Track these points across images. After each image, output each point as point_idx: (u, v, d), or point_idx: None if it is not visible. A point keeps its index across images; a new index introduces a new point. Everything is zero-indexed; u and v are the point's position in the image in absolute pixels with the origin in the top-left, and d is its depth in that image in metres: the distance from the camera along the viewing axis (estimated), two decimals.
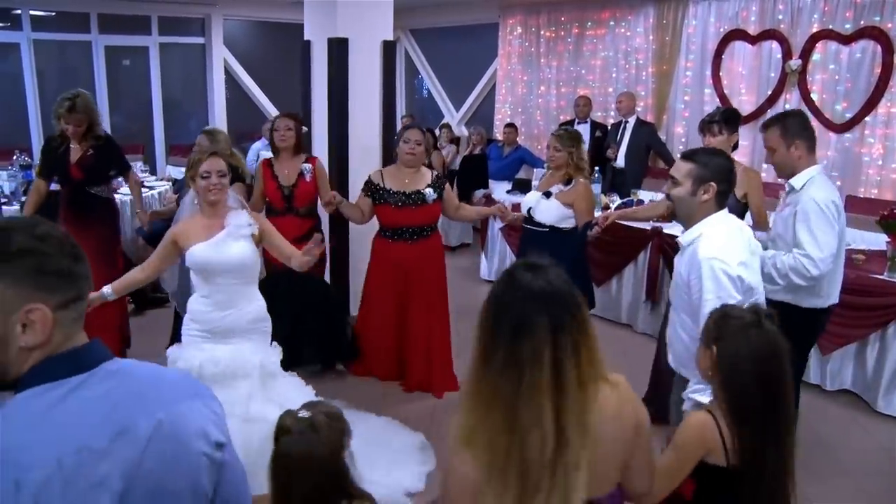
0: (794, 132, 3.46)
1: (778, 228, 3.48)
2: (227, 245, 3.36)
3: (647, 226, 5.87)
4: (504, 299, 1.60)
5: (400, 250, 4.68)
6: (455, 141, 10.17)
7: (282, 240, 3.68)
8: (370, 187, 4.68)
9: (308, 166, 4.81)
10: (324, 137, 5.76)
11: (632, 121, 7.71)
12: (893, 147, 6.58)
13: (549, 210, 4.62)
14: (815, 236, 3.32)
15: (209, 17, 10.56)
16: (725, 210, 2.82)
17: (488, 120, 10.49)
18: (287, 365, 3.70)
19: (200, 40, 10.78)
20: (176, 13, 10.36)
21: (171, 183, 7.72)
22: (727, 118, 4.26)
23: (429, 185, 4.64)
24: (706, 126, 4.32)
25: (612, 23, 8.72)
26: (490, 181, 8.69)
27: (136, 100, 10.51)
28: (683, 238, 2.84)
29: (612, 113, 8.71)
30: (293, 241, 4.45)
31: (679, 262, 2.87)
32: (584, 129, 8.02)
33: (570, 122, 8.18)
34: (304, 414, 1.96)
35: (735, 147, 4.42)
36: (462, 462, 1.57)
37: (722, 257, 2.63)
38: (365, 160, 5.59)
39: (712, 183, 2.74)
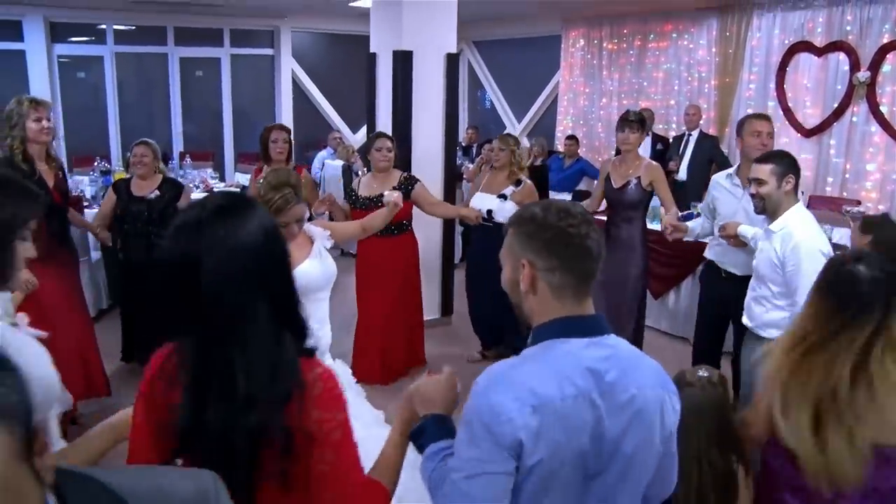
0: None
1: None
2: (325, 258, 3.27)
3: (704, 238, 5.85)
4: (848, 280, 1.94)
5: (372, 245, 4.94)
6: None
7: (343, 225, 3.89)
8: (350, 194, 5.07)
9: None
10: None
11: (695, 134, 7.69)
12: None
13: (508, 210, 4.85)
14: None
15: (278, 30, 10.90)
16: (801, 202, 3.44)
17: (550, 131, 10.55)
18: None
19: (269, 52, 11.13)
20: (246, 26, 10.73)
21: (239, 189, 7.99)
22: (642, 119, 4.82)
23: (393, 188, 4.83)
24: (627, 123, 4.75)
25: (674, 35, 8.72)
26: (551, 192, 8.73)
27: (207, 109, 10.91)
28: (774, 226, 3.40)
29: (674, 125, 8.70)
30: None
31: (767, 244, 3.43)
32: (645, 142, 8.01)
33: None
34: (702, 373, 2.23)
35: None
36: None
37: (816, 239, 3.28)
38: (427, 171, 5.74)
39: (791, 175, 3.37)
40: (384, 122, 5.93)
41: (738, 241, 3.87)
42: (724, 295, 4.06)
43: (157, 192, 4.94)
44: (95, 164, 7.72)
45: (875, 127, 7.01)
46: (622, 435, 1.49)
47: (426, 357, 5.45)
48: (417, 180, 5.07)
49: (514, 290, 1.61)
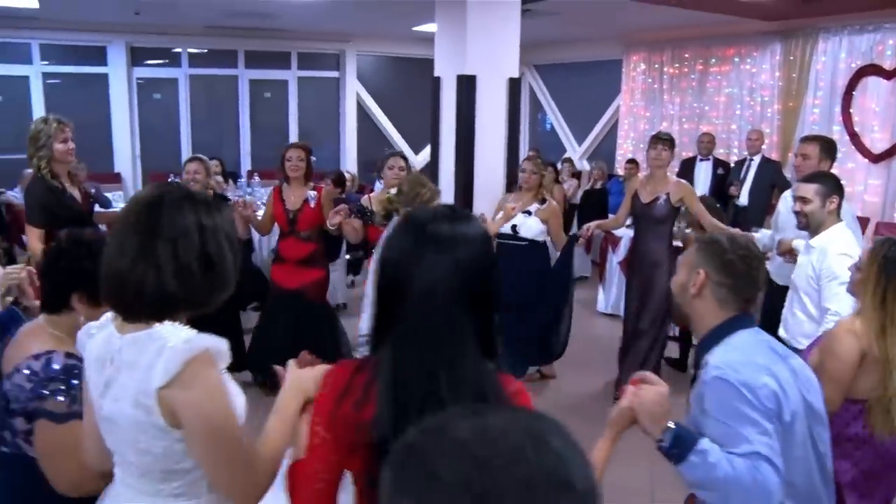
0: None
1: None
2: None
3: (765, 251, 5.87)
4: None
5: None
6: (577, 175, 10.31)
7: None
8: (360, 210, 5.07)
9: (314, 194, 5.07)
10: (450, 170, 6.07)
11: (757, 159, 7.64)
12: None
13: (532, 226, 5.17)
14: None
15: (343, 53, 11.21)
16: (844, 222, 3.58)
17: (609, 155, 10.59)
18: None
19: (335, 74, 11.45)
20: (313, 49, 11.08)
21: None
22: (672, 139, 5.14)
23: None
24: (661, 141, 5.00)
25: (736, 59, 8.70)
26: (610, 215, 8.76)
27: (274, 129, 11.26)
28: (814, 241, 3.57)
29: (735, 150, 8.65)
30: (294, 262, 5.05)
31: (805, 258, 3.61)
32: (706, 166, 8.01)
33: (692, 160, 8.18)
34: None
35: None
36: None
37: (849, 250, 3.35)
38: (489, 192, 5.86)
39: (835, 196, 3.51)
40: (448, 145, 6.08)
41: (794, 256, 3.97)
42: (776, 307, 4.10)
43: None
44: (169, 180, 8.05)
45: None
46: (805, 391, 1.92)
47: None
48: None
49: (681, 292, 2.04)
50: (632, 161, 9.25)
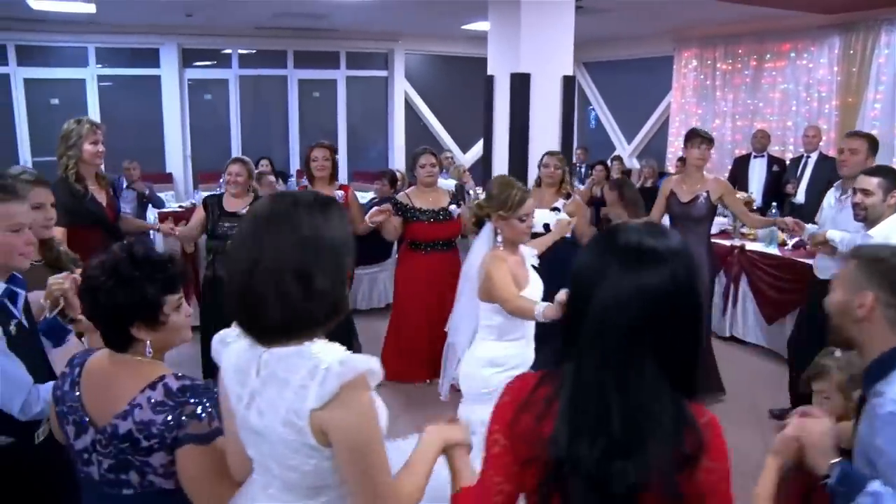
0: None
1: None
2: (537, 278, 3.40)
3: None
4: None
5: (433, 260, 5.11)
6: (627, 173, 10.20)
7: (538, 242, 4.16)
8: (399, 207, 5.09)
9: (341, 193, 5.03)
10: (503, 168, 6.04)
11: (814, 156, 7.47)
12: None
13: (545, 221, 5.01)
14: None
15: (392, 52, 11.25)
16: None
17: (660, 152, 10.45)
18: None
19: (384, 73, 11.49)
20: (362, 48, 11.13)
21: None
22: (711, 137, 5.04)
23: (451, 203, 5.07)
24: (703, 140, 4.90)
25: (792, 54, 8.52)
26: None
27: (322, 129, 11.33)
28: (873, 231, 3.64)
29: (791, 147, 8.47)
30: None
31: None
32: (760, 163, 7.86)
33: (746, 157, 8.04)
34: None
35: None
36: None
37: None
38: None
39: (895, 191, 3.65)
40: (501, 143, 6.07)
41: (827, 248, 4.10)
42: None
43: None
44: (221, 180, 8.15)
45: None
46: None
47: None
48: (462, 199, 5.24)
49: (843, 315, 1.87)
50: (683, 160, 9.11)
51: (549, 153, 5.31)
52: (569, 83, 6.02)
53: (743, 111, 9.19)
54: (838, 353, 2.23)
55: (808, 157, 7.49)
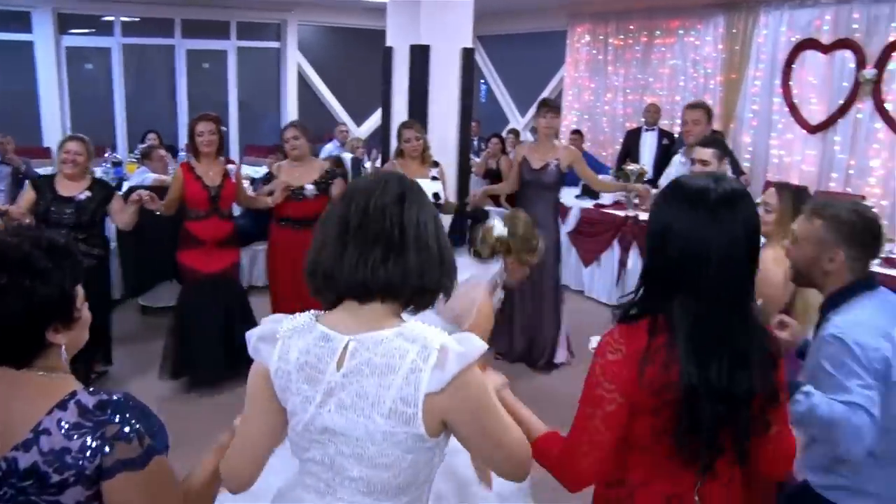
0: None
1: None
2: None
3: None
4: None
5: (291, 236, 4.77)
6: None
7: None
8: (269, 179, 4.94)
9: (233, 168, 4.87)
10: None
11: None
12: None
13: (442, 192, 5.16)
14: None
15: (285, 23, 10.96)
16: None
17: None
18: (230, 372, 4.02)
19: (276, 45, 11.19)
20: (253, 18, 10.79)
21: (248, 182, 8.04)
22: (558, 105, 5.45)
23: (314, 182, 4.82)
24: (550, 109, 5.25)
25: (680, 31, 8.81)
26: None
27: (212, 101, 10.94)
28: None
29: (679, 121, 8.78)
30: (216, 244, 4.69)
31: None
32: (651, 136, 8.12)
33: (637, 130, 8.28)
34: None
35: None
36: None
37: None
38: (443, 163, 5.80)
39: (726, 157, 4.01)
40: (400, 116, 6.00)
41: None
42: None
43: (88, 193, 4.47)
44: (106, 154, 7.77)
45: (880, 124, 7.10)
46: None
47: None
48: (339, 177, 5.04)
49: (810, 266, 2.22)
50: (577, 132, 9.32)
51: (405, 125, 5.23)
52: (468, 55, 6.02)
53: (634, 86, 9.44)
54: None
55: None
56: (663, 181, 5.11)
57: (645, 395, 1.53)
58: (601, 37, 9.76)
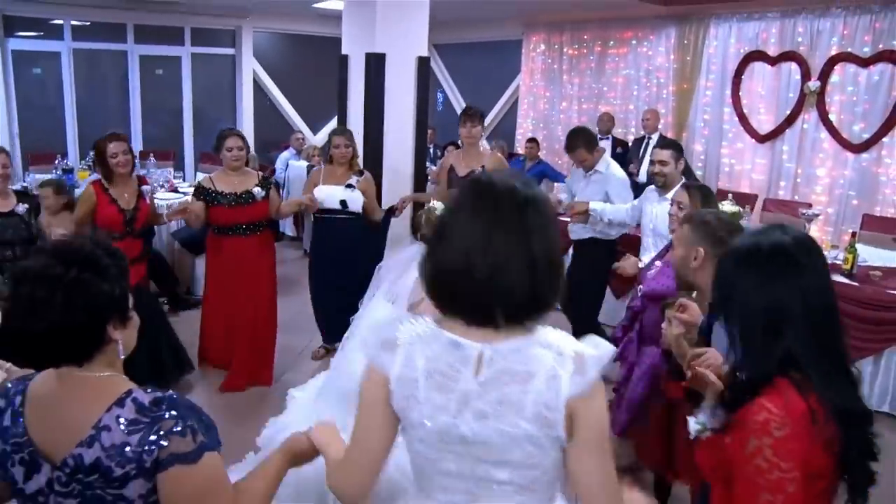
0: None
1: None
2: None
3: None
4: None
5: (234, 244, 4.78)
6: None
7: None
8: (201, 192, 4.78)
9: (148, 188, 4.74)
10: (358, 149, 5.97)
11: (654, 137, 7.91)
12: None
13: (357, 199, 5.14)
14: None
15: (240, 29, 10.85)
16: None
17: (510, 134, 10.72)
18: (153, 381, 3.84)
19: (231, 51, 11.07)
20: (208, 24, 10.66)
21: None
22: (482, 113, 5.37)
23: (257, 185, 4.78)
24: (469, 118, 5.21)
25: (634, 42, 8.95)
26: None
27: (167, 108, 10.80)
28: (669, 195, 4.10)
29: (633, 129, 8.92)
30: (132, 262, 4.49)
31: (661, 207, 4.27)
32: (605, 145, 8.20)
33: None
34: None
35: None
36: None
37: None
38: (398, 173, 5.83)
39: (682, 158, 4.37)
40: (356, 124, 5.99)
41: (584, 216, 4.89)
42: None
43: (26, 205, 4.32)
44: (56, 162, 7.61)
45: (824, 133, 7.33)
46: None
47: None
48: (274, 182, 5.00)
49: (684, 265, 2.52)
50: (532, 140, 9.39)
51: (337, 132, 5.31)
52: (424, 64, 6.03)
53: (588, 94, 9.57)
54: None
55: (650, 138, 7.92)
56: (565, 192, 5.30)
57: (818, 455, 1.54)
58: (556, 46, 9.88)
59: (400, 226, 5.57)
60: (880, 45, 6.83)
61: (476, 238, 1.37)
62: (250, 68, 11.05)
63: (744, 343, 1.62)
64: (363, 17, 5.83)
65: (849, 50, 7.03)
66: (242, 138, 4.83)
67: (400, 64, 5.86)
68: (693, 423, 1.78)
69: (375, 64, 5.76)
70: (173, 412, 1.46)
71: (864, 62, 6.94)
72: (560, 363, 1.38)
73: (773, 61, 7.62)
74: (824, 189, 7.41)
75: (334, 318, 5.16)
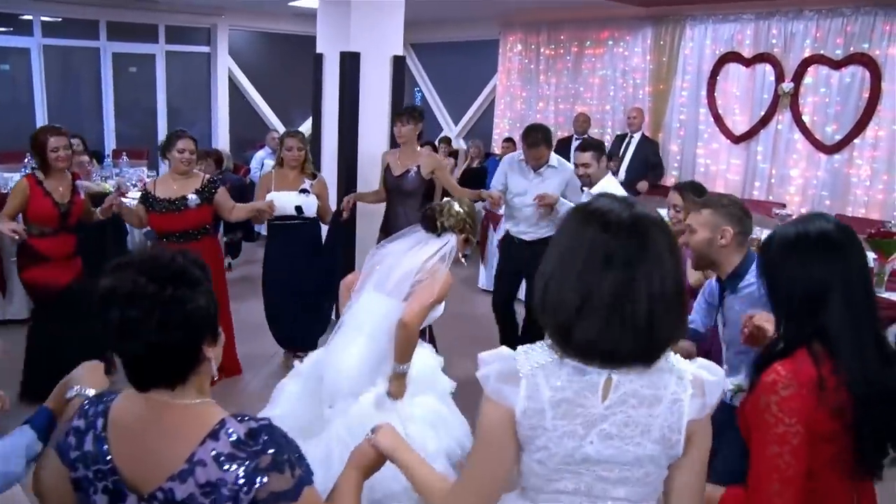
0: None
1: None
2: None
3: None
4: None
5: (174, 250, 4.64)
6: (454, 154, 10.38)
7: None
8: (142, 195, 4.72)
9: (84, 183, 4.65)
10: (333, 147, 5.95)
11: (637, 136, 7.94)
12: (880, 168, 6.87)
13: (313, 204, 5.10)
14: None
15: (215, 27, 10.75)
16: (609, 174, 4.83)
17: (486, 134, 10.71)
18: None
19: (206, 49, 10.96)
20: (183, 22, 10.54)
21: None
22: (417, 113, 5.32)
23: (196, 191, 4.65)
24: (399, 118, 5.20)
25: (610, 42, 8.97)
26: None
27: (140, 106, 10.68)
28: (593, 189, 4.57)
29: (609, 130, 8.95)
30: (64, 258, 4.50)
31: None
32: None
33: (568, 139, 8.39)
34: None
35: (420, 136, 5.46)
36: None
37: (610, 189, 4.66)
38: (373, 172, 5.78)
39: (604, 156, 4.74)
40: (331, 122, 5.96)
41: (547, 212, 4.87)
42: (518, 256, 5.08)
43: None
44: (26, 160, 7.47)
45: (798, 135, 7.39)
46: None
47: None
48: (220, 185, 4.85)
49: (708, 246, 2.76)
50: (509, 140, 9.39)
51: (289, 134, 5.24)
52: (399, 63, 6.00)
53: (565, 95, 9.58)
54: None
55: (632, 136, 7.95)
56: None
57: (824, 419, 1.68)
58: (533, 46, 9.88)
59: (373, 227, 5.56)
60: (851, 48, 6.90)
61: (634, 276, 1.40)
62: (226, 66, 10.95)
63: (787, 317, 1.81)
64: (338, 15, 5.79)
65: (821, 52, 7.09)
66: (195, 142, 4.70)
67: (375, 63, 5.83)
68: (728, 385, 1.95)
69: (350, 63, 5.72)
70: (270, 447, 1.37)
71: (837, 64, 7.00)
72: (681, 386, 1.45)
73: (748, 63, 7.67)
74: (797, 189, 7.47)
75: (291, 324, 5.22)
